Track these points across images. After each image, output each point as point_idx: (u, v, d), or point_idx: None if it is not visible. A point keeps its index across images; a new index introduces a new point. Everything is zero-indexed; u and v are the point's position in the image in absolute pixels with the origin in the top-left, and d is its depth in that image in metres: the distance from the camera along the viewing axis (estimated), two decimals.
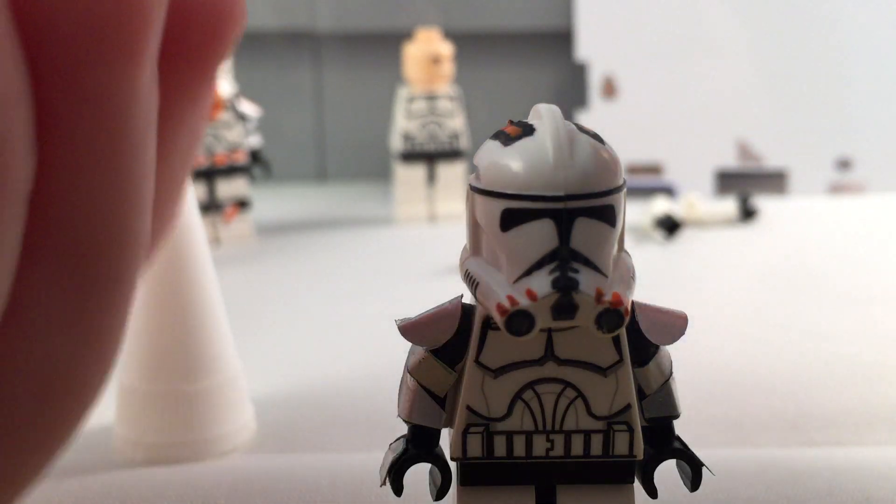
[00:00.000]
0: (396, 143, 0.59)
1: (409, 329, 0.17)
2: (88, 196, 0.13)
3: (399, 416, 0.18)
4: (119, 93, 0.13)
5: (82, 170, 0.13)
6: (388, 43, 0.68)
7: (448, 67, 0.58)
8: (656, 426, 0.18)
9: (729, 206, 0.58)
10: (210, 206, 0.54)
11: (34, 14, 0.12)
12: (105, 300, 0.14)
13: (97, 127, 0.13)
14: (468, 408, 0.17)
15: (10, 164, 0.11)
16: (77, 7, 0.12)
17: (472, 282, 0.16)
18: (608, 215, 0.16)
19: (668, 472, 0.18)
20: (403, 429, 0.18)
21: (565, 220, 0.15)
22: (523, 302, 0.15)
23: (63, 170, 0.13)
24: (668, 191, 0.65)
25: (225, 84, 0.54)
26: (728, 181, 0.67)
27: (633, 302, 0.17)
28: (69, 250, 0.13)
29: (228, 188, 0.55)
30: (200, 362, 0.27)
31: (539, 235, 0.15)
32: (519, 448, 0.17)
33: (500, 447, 0.17)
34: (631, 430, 0.17)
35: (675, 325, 0.17)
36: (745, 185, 0.65)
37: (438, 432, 0.18)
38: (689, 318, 0.17)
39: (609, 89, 0.67)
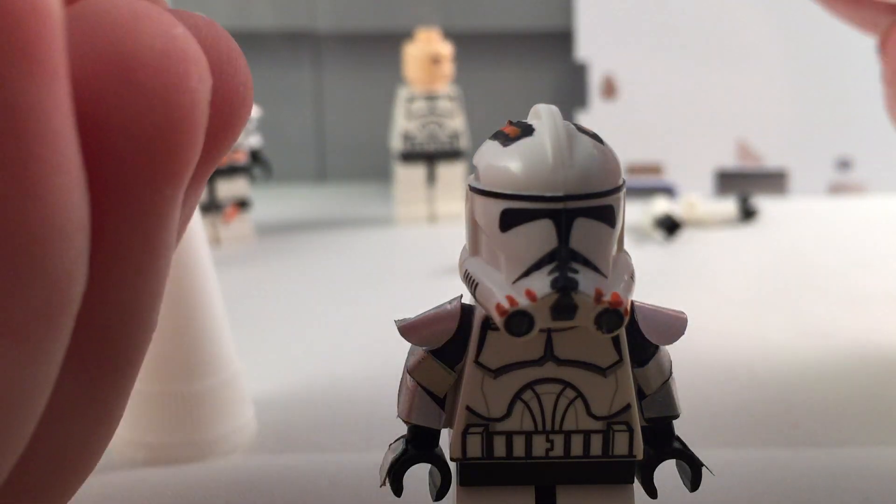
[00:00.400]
0: (396, 143, 0.59)
1: (409, 329, 0.17)
2: (124, 302, 0.14)
3: (398, 416, 0.18)
4: (163, 211, 0.13)
5: (122, 280, 0.14)
6: (388, 43, 0.68)
7: (448, 67, 0.58)
8: (656, 426, 0.18)
9: (729, 206, 0.58)
10: (210, 206, 0.54)
11: (93, 137, 0.12)
12: (117, 386, 0.15)
13: (140, 242, 0.14)
14: (468, 408, 0.17)
15: (71, 292, 0.12)
16: (136, 135, 0.12)
17: (471, 282, 0.16)
18: (608, 215, 0.16)
19: (668, 472, 0.18)
20: (403, 429, 0.18)
21: (564, 221, 0.15)
22: (522, 302, 0.15)
23: (104, 281, 0.13)
24: (668, 191, 0.65)
25: None
26: (728, 181, 0.67)
27: (632, 302, 0.17)
28: (98, 349, 0.14)
29: (228, 188, 0.55)
30: (200, 362, 0.27)
31: (538, 236, 0.15)
32: (519, 448, 0.17)
33: (499, 447, 0.17)
34: (630, 431, 0.17)
35: (675, 325, 0.17)
36: (745, 185, 0.65)
37: (438, 432, 0.18)
38: (688, 317, 0.17)
39: (609, 89, 0.67)
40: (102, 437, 0.15)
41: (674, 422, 0.18)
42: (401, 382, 0.18)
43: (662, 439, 0.18)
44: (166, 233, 0.14)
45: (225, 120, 0.15)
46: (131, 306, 0.14)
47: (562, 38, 0.69)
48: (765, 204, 0.60)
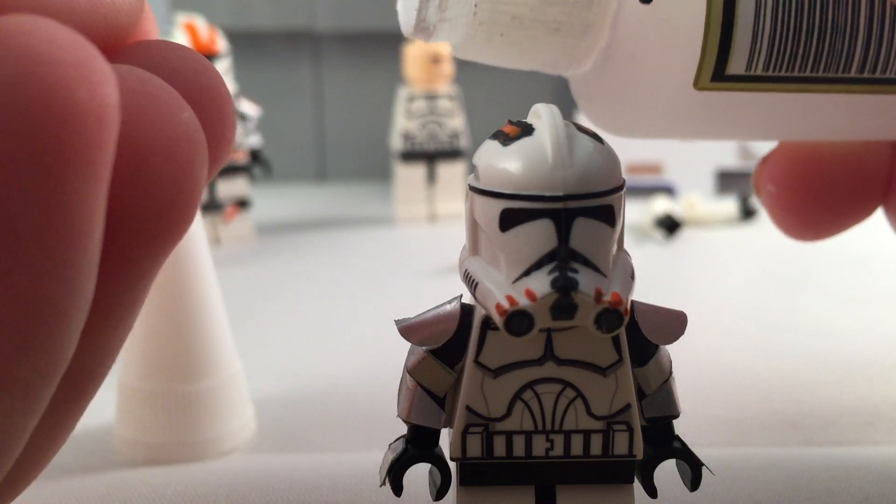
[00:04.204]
0: (396, 143, 0.59)
1: (409, 329, 0.17)
2: (104, 347, 0.15)
3: (398, 416, 0.18)
4: (153, 274, 0.15)
5: (107, 331, 0.15)
6: (388, 43, 0.68)
7: (448, 67, 0.58)
8: (656, 426, 0.18)
9: (729, 206, 0.58)
10: (210, 206, 0.54)
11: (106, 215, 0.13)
12: (79, 410, 0.16)
13: (129, 301, 0.15)
14: (468, 408, 0.17)
15: (70, 353, 0.13)
16: (143, 214, 0.13)
17: (471, 282, 0.16)
18: (607, 215, 0.16)
19: (668, 472, 0.18)
20: (403, 429, 0.18)
21: (564, 220, 0.15)
22: (522, 302, 0.15)
23: (91, 333, 0.14)
24: (668, 191, 0.65)
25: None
26: (728, 181, 0.67)
27: (632, 301, 0.17)
28: (71, 385, 0.15)
29: (228, 188, 0.55)
30: (200, 362, 0.27)
31: (538, 235, 0.15)
32: (518, 448, 0.17)
33: (499, 447, 0.17)
34: (630, 430, 0.17)
35: (675, 324, 0.17)
36: (745, 184, 0.65)
37: (438, 432, 0.18)
38: (688, 317, 0.17)
39: None
40: (54, 449, 0.16)
41: (674, 422, 0.18)
42: (401, 382, 0.18)
43: (662, 439, 0.18)
44: (149, 287, 0.15)
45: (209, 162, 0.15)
46: (109, 350, 0.15)
47: None
48: None
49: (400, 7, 0.20)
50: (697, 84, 0.19)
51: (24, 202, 0.11)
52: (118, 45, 0.15)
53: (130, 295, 0.15)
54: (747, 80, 0.19)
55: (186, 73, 0.15)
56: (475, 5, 0.19)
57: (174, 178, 0.13)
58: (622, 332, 0.17)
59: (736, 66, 0.19)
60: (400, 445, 0.18)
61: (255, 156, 0.57)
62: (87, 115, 0.11)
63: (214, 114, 0.15)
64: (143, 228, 0.13)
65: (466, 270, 0.17)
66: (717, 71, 0.19)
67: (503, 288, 0.15)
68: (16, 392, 0.12)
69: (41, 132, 0.11)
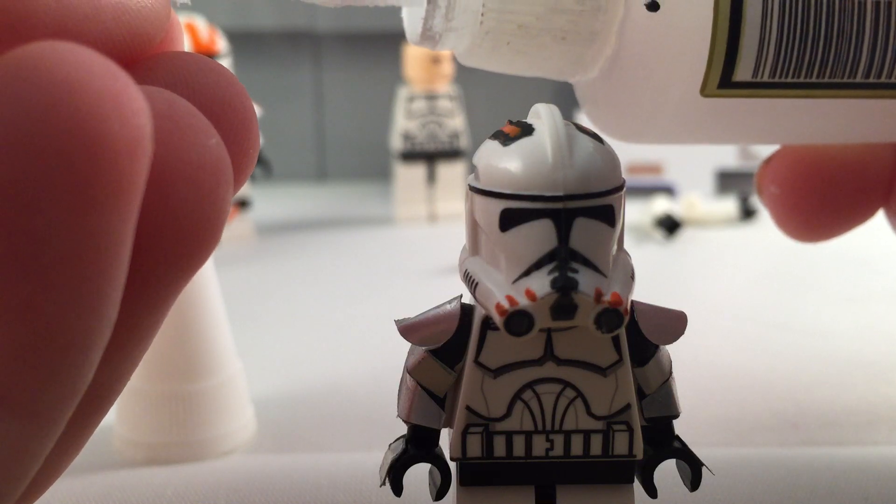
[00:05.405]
0: (396, 143, 0.59)
1: (409, 329, 0.17)
2: (123, 366, 0.15)
3: (398, 416, 0.18)
4: (177, 293, 0.15)
5: (127, 350, 0.15)
6: (388, 43, 0.68)
7: (448, 67, 0.58)
8: (656, 426, 0.18)
9: (729, 206, 0.58)
10: None
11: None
12: (93, 425, 0.16)
13: (152, 320, 0.15)
14: (468, 408, 0.17)
15: (90, 377, 0.13)
16: (168, 238, 0.13)
17: (471, 282, 0.16)
18: (607, 215, 0.16)
19: (668, 472, 0.18)
20: (403, 429, 0.18)
21: (564, 221, 0.15)
22: (522, 302, 0.15)
23: (112, 353, 0.14)
24: (668, 191, 0.65)
25: None
26: (728, 181, 0.67)
27: (632, 302, 0.17)
28: (87, 403, 0.15)
29: None
30: (200, 362, 0.27)
31: (538, 236, 0.15)
32: (518, 448, 0.17)
33: (499, 447, 0.17)
34: (630, 430, 0.17)
35: (675, 324, 0.17)
36: (745, 184, 0.65)
37: (438, 432, 0.18)
38: (688, 317, 0.17)
39: None
40: (65, 465, 0.16)
41: (674, 422, 0.18)
42: (401, 382, 0.18)
43: (662, 439, 0.18)
44: (169, 310, 0.15)
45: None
46: (126, 371, 0.15)
47: None
48: None
49: (405, 15, 0.20)
50: (704, 91, 0.19)
51: (51, 233, 0.11)
52: (144, 54, 0.15)
53: (151, 318, 0.14)
54: (754, 87, 0.19)
55: (212, 89, 0.15)
56: (482, 14, 0.19)
57: (199, 205, 0.13)
58: (622, 332, 0.17)
59: (742, 73, 0.19)
60: (400, 445, 0.18)
61: None
62: (119, 147, 0.11)
63: (239, 131, 0.15)
64: (167, 255, 0.13)
65: (466, 270, 0.17)
66: (723, 78, 0.19)
67: (503, 288, 0.15)
68: (36, 418, 0.12)
69: (72, 163, 0.11)
